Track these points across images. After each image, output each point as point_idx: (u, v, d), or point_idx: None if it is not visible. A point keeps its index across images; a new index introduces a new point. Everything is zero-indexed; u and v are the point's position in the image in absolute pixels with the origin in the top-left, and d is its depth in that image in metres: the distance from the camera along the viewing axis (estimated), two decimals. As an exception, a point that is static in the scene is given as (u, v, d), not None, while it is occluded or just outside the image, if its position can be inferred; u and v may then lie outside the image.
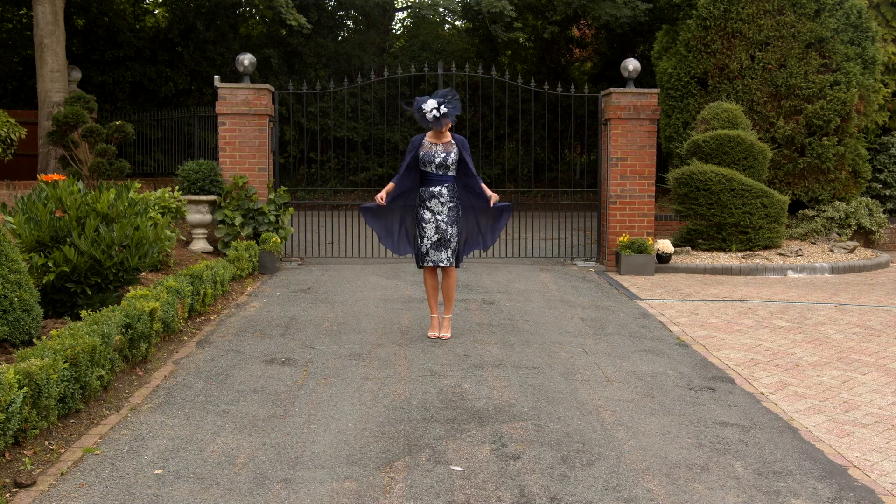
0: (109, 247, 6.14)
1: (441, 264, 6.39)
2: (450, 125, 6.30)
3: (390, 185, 6.44)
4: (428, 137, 6.42)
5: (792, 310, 8.13)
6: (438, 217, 6.36)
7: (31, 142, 13.45)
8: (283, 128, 17.68)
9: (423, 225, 6.41)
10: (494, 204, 6.41)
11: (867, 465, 4.22)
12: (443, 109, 6.19)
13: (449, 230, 6.37)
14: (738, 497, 3.78)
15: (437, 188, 6.36)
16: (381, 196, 6.37)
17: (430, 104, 6.22)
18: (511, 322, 7.31)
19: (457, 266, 6.56)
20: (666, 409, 5.01)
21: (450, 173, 6.37)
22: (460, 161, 6.40)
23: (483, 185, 6.44)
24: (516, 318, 7.47)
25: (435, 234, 6.36)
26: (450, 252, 6.38)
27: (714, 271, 10.50)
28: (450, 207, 6.38)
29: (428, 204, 6.39)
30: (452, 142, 6.39)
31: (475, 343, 6.51)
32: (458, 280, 7.85)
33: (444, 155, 6.33)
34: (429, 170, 6.37)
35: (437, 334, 6.54)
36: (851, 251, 11.88)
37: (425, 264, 6.45)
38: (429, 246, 6.38)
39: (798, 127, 12.61)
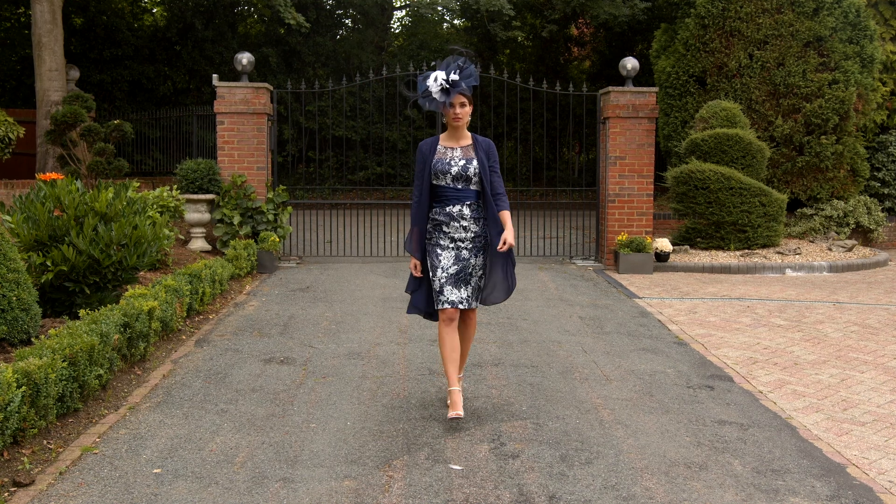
0: (108, 246, 6.14)
1: (460, 306, 4.68)
2: (467, 106, 4.69)
3: (414, 233, 4.82)
4: (442, 140, 4.78)
5: (790, 308, 8.14)
6: (461, 244, 4.71)
7: (30, 141, 13.44)
8: (281, 127, 17.68)
9: (439, 252, 4.72)
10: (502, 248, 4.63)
11: (865, 463, 4.22)
12: (453, 77, 4.59)
13: (472, 261, 4.72)
14: (737, 495, 3.78)
15: (457, 207, 4.69)
16: (416, 265, 4.82)
17: (434, 76, 4.66)
18: (510, 321, 7.30)
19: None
20: (664, 407, 5.01)
21: (472, 187, 4.70)
22: (484, 171, 4.70)
23: (506, 214, 4.73)
24: (515, 317, 7.46)
25: (454, 264, 4.69)
26: (470, 290, 4.73)
27: (712, 270, 10.50)
28: (475, 233, 4.72)
29: (445, 229, 4.71)
30: (473, 145, 4.75)
31: (474, 342, 6.50)
32: None
33: (462, 162, 4.67)
34: (443, 182, 4.69)
35: (459, 413, 4.59)
36: (850, 250, 11.89)
37: (440, 306, 4.68)
38: (444, 280, 4.67)
39: (796, 126, 12.62)
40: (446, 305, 4.66)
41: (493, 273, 4.78)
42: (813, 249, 11.81)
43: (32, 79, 14.35)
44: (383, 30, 23.33)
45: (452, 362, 4.70)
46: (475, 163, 4.68)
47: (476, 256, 4.74)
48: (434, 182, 4.73)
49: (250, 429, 4.53)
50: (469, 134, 4.78)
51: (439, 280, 4.68)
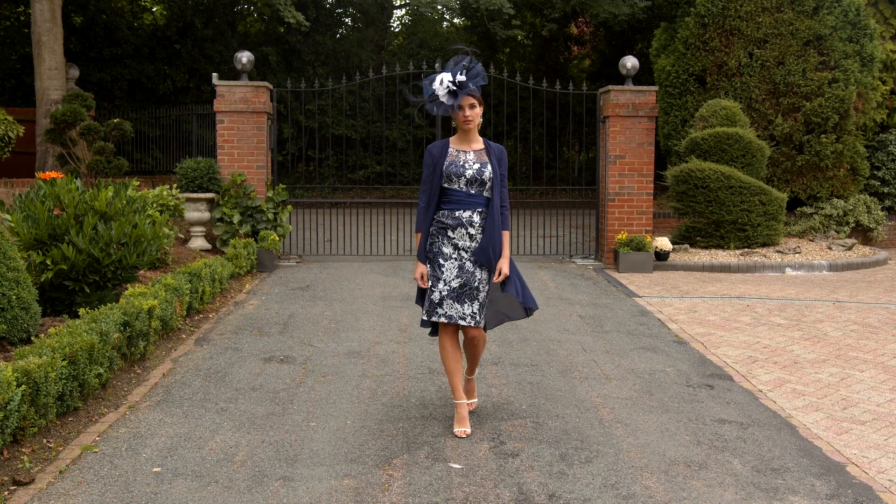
0: (108, 244, 6.14)
1: (462, 322, 4.37)
2: (478, 107, 4.44)
3: (419, 239, 4.54)
4: (453, 143, 4.52)
5: (790, 307, 8.14)
6: (464, 254, 4.42)
7: (29, 140, 13.44)
8: (281, 126, 17.68)
9: (442, 262, 4.42)
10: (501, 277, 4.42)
11: (865, 462, 4.22)
12: (459, 77, 4.36)
13: (478, 274, 4.41)
14: (737, 494, 3.79)
15: (467, 213, 4.42)
16: (422, 275, 4.49)
17: (440, 78, 4.41)
18: (509, 320, 7.30)
19: (485, 329, 4.62)
20: (664, 406, 5.01)
21: (484, 193, 4.45)
22: (496, 177, 4.47)
23: (506, 236, 4.48)
24: (515, 316, 7.46)
25: (457, 276, 4.39)
26: (476, 306, 4.39)
27: (712, 269, 10.50)
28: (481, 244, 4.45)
29: (451, 234, 4.43)
30: (486, 149, 4.51)
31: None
32: None
33: (477, 166, 4.42)
34: (455, 186, 4.43)
35: (466, 430, 4.47)
36: (849, 249, 11.89)
37: (437, 318, 4.39)
38: (445, 293, 4.38)
39: (796, 124, 12.62)
40: (443, 319, 4.37)
41: (495, 297, 4.55)
42: (813, 248, 11.81)
43: (32, 77, 14.35)
44: (383, 28, 23.33)
45: (456, 374, 4.48)
46: (489, 167, 4.44)
47: (481, 269, 4.42)
48: (445, 186, 4.45)
49: (250, 427, 4.54)
50: (480, 137, 4.55)
51: (440, 292, 4.39)
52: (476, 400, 4.83)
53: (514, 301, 4.60)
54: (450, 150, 4.49)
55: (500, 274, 4.40)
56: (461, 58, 4.45)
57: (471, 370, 4.74)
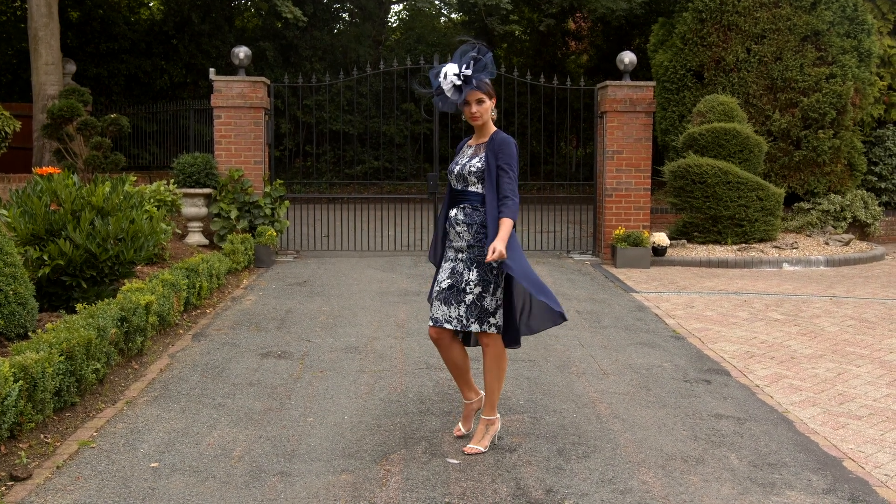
0: (105, 240, 6.14)
1: (448, 325, 4.12)
2: (486, 102, 4.13)
3: (435, 239, 4.42)
4: (471, 140, 4.35)
5: (787, 302, 8.15)
6: (460, 255, 4.18)
7: (26, 135, 13.41)
8: (278, 121, 17.64)
9: (440, 264, 4.31)
10: (492, 258, 3.88)
11: (862, 456, 4.23)
12: (465, 71, 4.05)
13: (465, 276, 4.12)
14: (733, 489, 3.79)
15: (454, 211, 4.21)
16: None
17: (444, 72, 4.12)
18: (507, 315, 7.30)
19: (500, 333, 4.18)
20: (661, 401, 5.02)
21: (470, 188, 4.16)
22: (489, 171, 4.10)
23: (504, 221, 4.02)
24: (512, 311, 7.46)
25: (448, 277, 4.16)
26: (462, 309, 4.08)
27: (710, 264, 10.51)
28: (468, 242, 4.14)
29: (450, 236, 4.26)
30: (487, 143, 4.18)
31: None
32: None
33: (465, 160, 4.20)
34: (451, 184, 4.28)
35: (462, 431, 4.40)
36: (847, 244, 11.90)
37: (430, 321, 4.24)
38: (435, 294, 4.21)
39: (794, 120, 12.62)
40: (430, 322, 4.19)
41: (519, 298, 4.18)
42: (810, 244, 11.82)
43: (29, 73, 14.30)
44: (381, 24, 23.29)
45: (456, 378, 4.34)
46: (476, 160, 4.14)
47: (469, 270, 4.11)
48: (450, 185, 4.29)
49: (247, 423, 4.54)
50: (492, 131, 4.20)
51: (433, 294, 4.22)
52: (486, 445, 4.18)
53: (543, 311, 4.19)
54: (463, 147, 4.33)
55: (493, 251, 3.86)
56: (472, 45, 4.12)
57: (486, 404, 4.22)
